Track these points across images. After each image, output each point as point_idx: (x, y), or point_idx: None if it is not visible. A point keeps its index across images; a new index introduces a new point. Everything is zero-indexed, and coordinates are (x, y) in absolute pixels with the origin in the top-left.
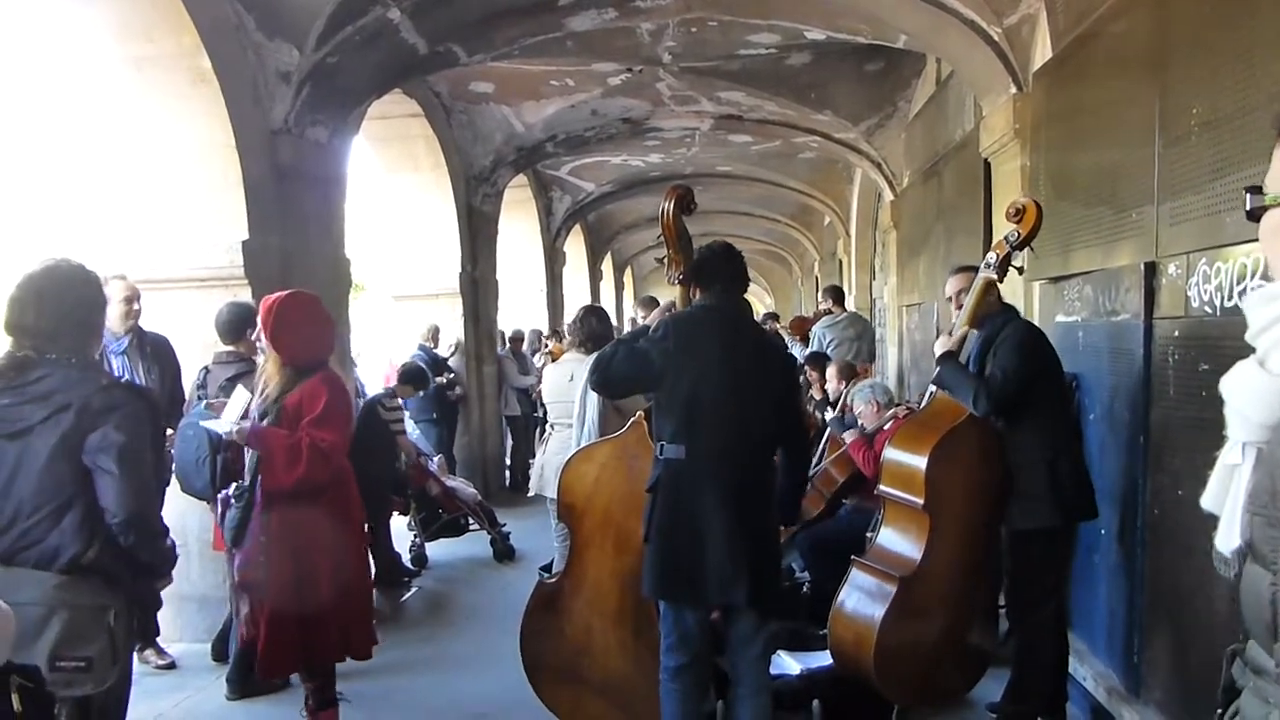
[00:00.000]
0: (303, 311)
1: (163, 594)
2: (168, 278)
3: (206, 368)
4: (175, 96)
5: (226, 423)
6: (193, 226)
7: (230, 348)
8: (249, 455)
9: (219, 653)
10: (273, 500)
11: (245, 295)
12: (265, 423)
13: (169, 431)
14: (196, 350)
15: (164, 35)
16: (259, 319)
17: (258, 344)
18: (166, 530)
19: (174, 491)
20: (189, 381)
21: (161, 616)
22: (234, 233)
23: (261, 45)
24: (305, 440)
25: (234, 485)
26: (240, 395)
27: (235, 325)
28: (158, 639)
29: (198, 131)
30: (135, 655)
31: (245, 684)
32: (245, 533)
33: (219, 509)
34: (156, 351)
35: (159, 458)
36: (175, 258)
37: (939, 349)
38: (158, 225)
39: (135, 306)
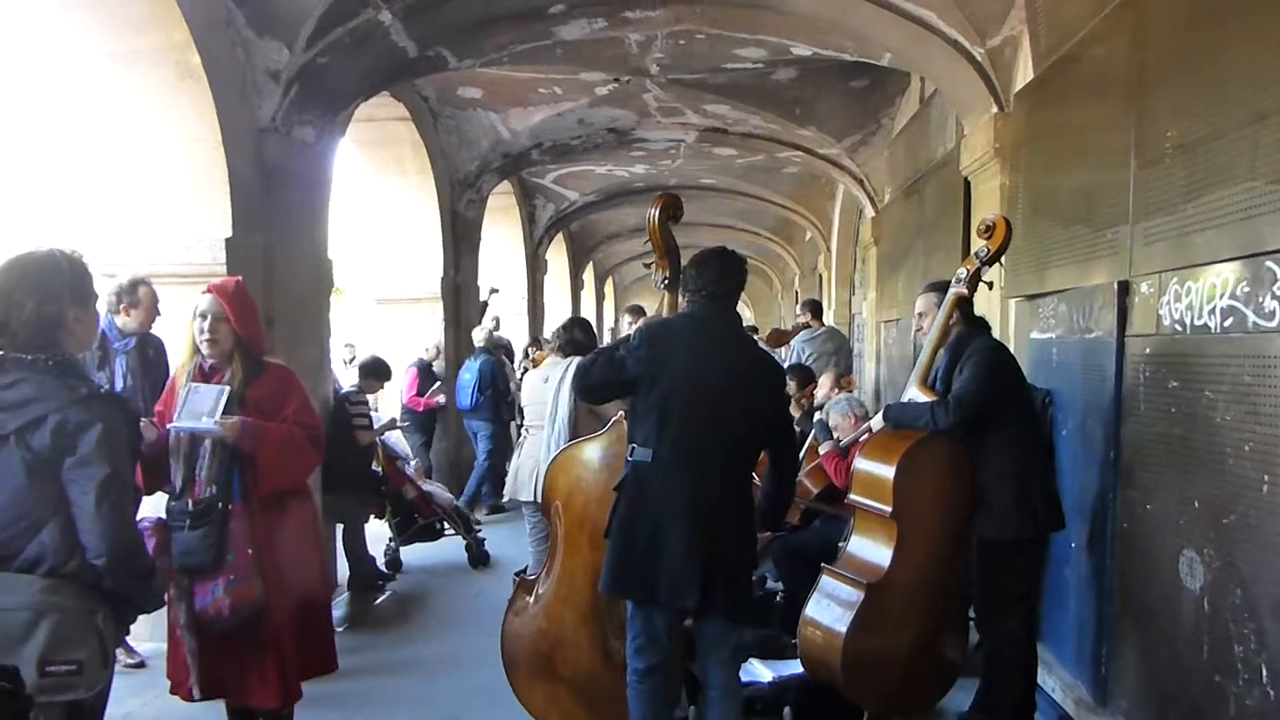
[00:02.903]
0: (252, 298)
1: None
2: (150, 273)
3: None
4: (162, 91)
5: (208, 419)
6: (176, 222)
7: None
8: (204, 462)
9: None
10: (256, 505)
11: None
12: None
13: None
14: (175, 346)
15: (153, 30)
16: (221, 306)
17: (202, 337)
18: (153, 569)
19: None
20: None
21: None
22: (217, 230)
23: (251, 43)
24: (301, 432)
25: (189, 502)
26: (204, 390)
27: None
28: (127, 638)
29: (184, 127)
30: None
31: None
32: (223, 551)
33: (150, 537)
34: (158, 355)
35: (136, 465)
36: (158, 253)
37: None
38: (141, 220)
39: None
